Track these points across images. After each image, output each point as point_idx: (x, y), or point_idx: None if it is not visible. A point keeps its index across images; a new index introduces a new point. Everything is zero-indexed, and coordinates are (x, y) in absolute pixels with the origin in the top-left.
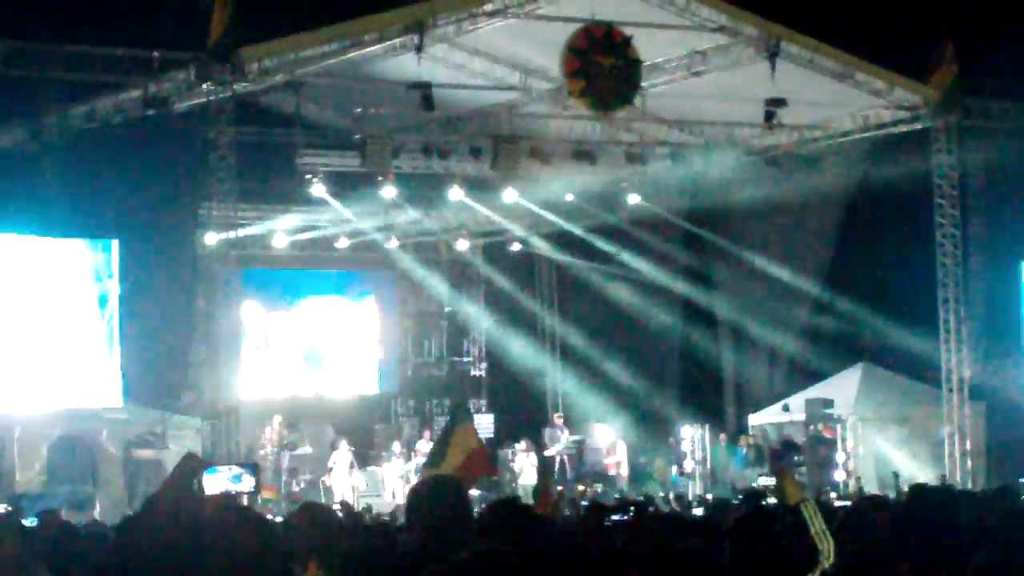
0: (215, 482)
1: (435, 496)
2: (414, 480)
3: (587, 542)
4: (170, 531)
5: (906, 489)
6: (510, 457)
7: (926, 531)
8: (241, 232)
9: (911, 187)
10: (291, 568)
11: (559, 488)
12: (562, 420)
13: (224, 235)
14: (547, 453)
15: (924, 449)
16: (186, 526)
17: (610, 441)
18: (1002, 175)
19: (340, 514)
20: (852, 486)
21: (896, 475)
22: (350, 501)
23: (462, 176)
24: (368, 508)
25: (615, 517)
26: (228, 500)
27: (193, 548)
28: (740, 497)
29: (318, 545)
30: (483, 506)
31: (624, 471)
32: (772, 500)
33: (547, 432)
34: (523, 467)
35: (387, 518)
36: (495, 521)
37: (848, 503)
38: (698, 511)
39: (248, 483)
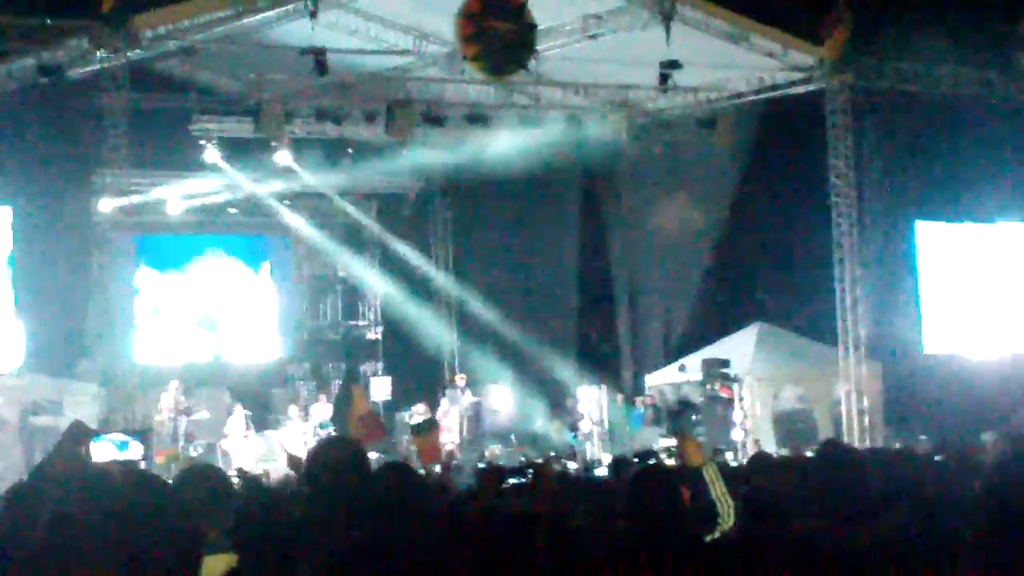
0: (101, 449)
1: (335, 458)
2: (312, 443)
3: (484, 506)
4: (61, 497)
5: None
6: (407, 420)
7: (833, 490)
8: (135, 198)
9: (807, 148)
10: (195, 528)
11: (448, 446)
12: (464, 381)
13: (119, 201)
14: (445, 414)
15: (821, 408)
16: (78, 491)
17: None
18: (896, 135)
19: (235, 479)
20: (750, 446)
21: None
22: (248, 466)
23: (356, 140)
24: (266, 473)
25: (513, 480)
26: (122, 464)
27: (87, 513)
28: (637, 459)
29: (208, 506)
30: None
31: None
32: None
33: (448, 393)
34: None
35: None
36: (385, 488)
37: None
38: (600, 471)
39: (136, 450)
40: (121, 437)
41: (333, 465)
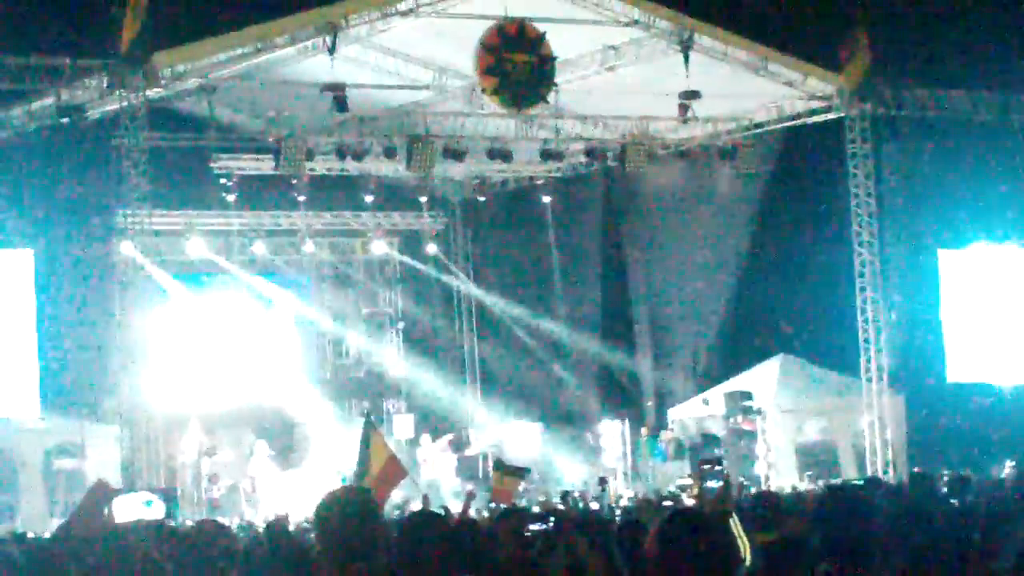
0: (128, 506)
1: (344, 507)
2: (336, 484)
3: (507, 554)
4: (84, 556)
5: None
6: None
7: (844, 528)
8: (157, 238)
9: (827, 177)
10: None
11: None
12: (486, 417)
13: (140, 241)
14: (468, 452)
15: (844, 440)
16: (101, 551)
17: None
18: (917, 164)
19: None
20: (772, 480)
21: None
22: (271, 505)
23: (377, 176)
24: (286, 516)
25: (535, 527)
26: (143, 524)
27: (109, 571)
28: (666, 498)
29: (230, 556)
30: (403, 515)
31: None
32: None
33: (471, 431)
34: (442, 467)
35: (306, 525)
36: (414, 534)
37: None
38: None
39: (159, 509)
40: (147, 496)
41: (341, 514)
